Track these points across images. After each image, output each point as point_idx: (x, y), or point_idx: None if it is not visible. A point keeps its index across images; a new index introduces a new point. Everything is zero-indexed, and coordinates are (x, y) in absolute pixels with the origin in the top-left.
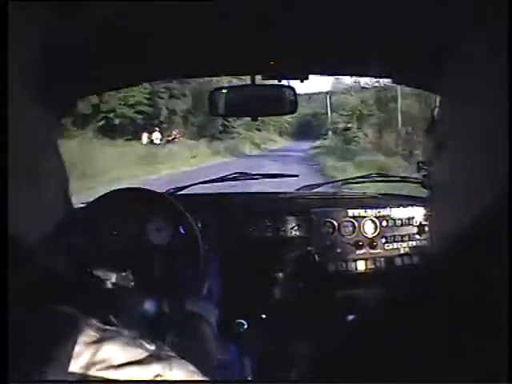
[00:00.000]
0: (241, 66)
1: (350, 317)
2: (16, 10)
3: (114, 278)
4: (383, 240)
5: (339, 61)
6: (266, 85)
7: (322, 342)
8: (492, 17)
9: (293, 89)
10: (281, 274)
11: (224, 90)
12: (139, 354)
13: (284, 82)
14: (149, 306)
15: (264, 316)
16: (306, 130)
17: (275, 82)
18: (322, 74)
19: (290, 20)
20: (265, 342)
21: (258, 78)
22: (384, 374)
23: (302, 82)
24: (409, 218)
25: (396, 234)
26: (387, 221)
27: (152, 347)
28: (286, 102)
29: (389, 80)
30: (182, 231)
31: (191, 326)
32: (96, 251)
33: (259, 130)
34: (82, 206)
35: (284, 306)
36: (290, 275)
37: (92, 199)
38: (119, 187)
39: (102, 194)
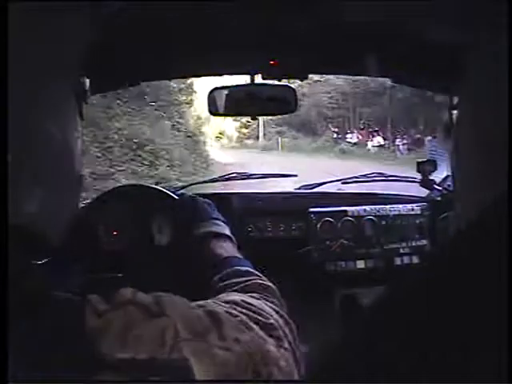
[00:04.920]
0: (241, 66)
1: (350, 316)
2: (16, 9)
3: (114, 276)
4: (383, 239)
5: (339, 60)
6: (265, 84)
7: (321, 342)
8: (492, 17)
9: (292, 88)
10: (280, 274)
11: (224, 90)
12: None
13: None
14: None
15: None
16: None
17: (275, 81)
18: (321, 73)
19: (290, 20)
20: None
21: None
22: (383, 373)
23: (301, 81)
24: (408, 218)
25: (396, 233)
26: (387, 220)
27: None
28: (285, 102)
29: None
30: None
31: None
32: (97, 250)
33: None
34: (85, 203)
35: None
36: (289, 275)
37: (95, 196)
38: (120, 184)
39: (106, 191)
